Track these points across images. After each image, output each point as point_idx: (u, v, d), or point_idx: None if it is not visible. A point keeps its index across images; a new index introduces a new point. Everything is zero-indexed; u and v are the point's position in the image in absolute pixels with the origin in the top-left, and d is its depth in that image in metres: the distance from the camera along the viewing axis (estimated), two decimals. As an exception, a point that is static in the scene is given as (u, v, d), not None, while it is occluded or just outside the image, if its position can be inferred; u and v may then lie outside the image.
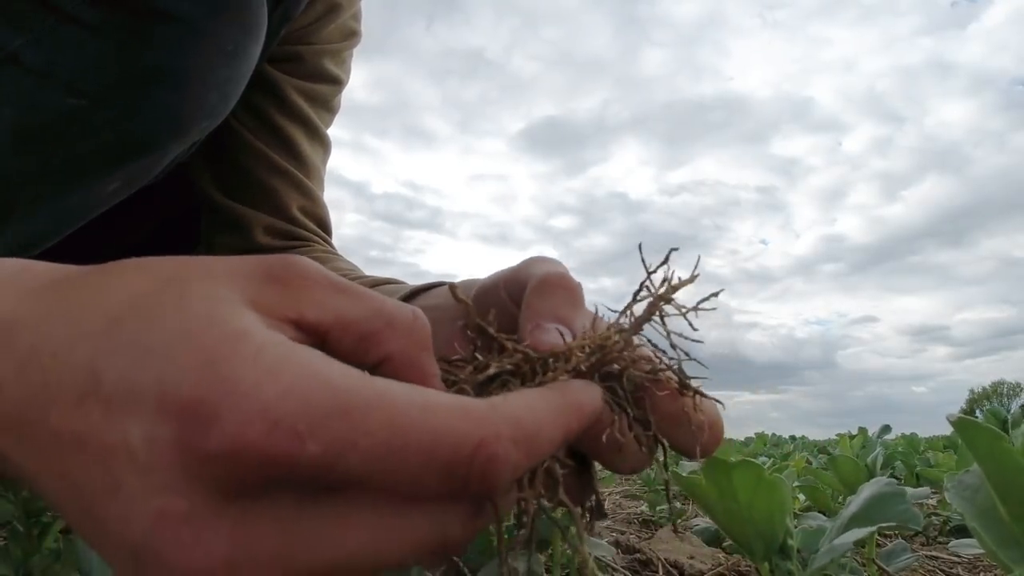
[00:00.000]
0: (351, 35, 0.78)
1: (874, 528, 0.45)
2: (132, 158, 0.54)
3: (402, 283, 0.60)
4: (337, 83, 0.78)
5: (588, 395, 0.25)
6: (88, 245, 0.65)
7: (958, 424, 0.37)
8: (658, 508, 1.66)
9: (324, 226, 0.77)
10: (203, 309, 0.20)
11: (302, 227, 0.73)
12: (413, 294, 0.51)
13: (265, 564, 0.18)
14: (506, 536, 0.25)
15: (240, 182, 0.71)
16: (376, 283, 0.62)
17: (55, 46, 0.47)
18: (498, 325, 0.29)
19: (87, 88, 0.49)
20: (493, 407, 0.20)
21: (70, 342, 0.19)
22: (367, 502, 0.19)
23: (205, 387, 0.17)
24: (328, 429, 0.17)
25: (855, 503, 0.50)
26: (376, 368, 0.23)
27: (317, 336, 0.22)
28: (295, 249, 0.71)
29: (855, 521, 0.48)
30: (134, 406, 0.18)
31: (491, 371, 0.25)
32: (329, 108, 0.78)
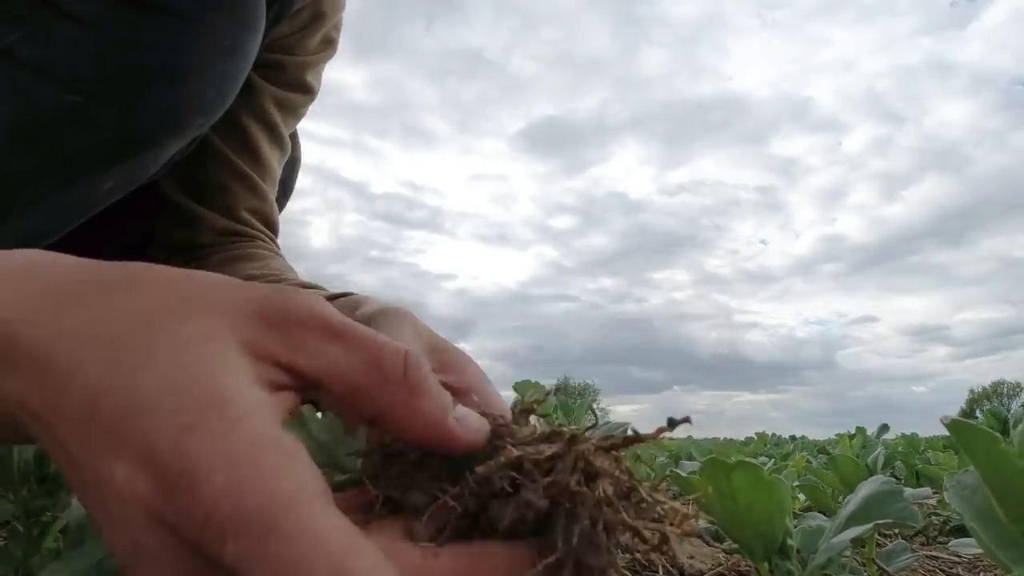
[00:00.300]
0: (329, 45, 0.79)
1: (871, 526, 0.45)
2: (130, 155, 0.54)
3: (353, 294, 0.59)
4: (310, 93, 0.79)
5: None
6: (86, 243, 0.65)
7: (953, 427, 0.37)
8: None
9: (271, 225, 0.78)
10: (195, 358, 0.21)
11: (248, 226, 0.74)
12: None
13: None
14: None
15: (199, 182, 0.72)
16: (333, 297, 0.60)
17: (51, 42, 0.47)
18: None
19: (84, 84, 0.48)
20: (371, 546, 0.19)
21: (79, 367, 0.22)
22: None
23: (177, 456, 0.19)
24: (247, 539, 0.18)
25: (853, 502, 0.50)
26: (372, 424, 0.24)
27: (309, 383, 0.23)
28: (237, 246, 0.72)
29: (853, 520, 0.48)
30: (122, 449, 0.20)
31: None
32: (297, 116, 0.79)
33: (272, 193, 0.78)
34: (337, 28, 0.79)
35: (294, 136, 0.84)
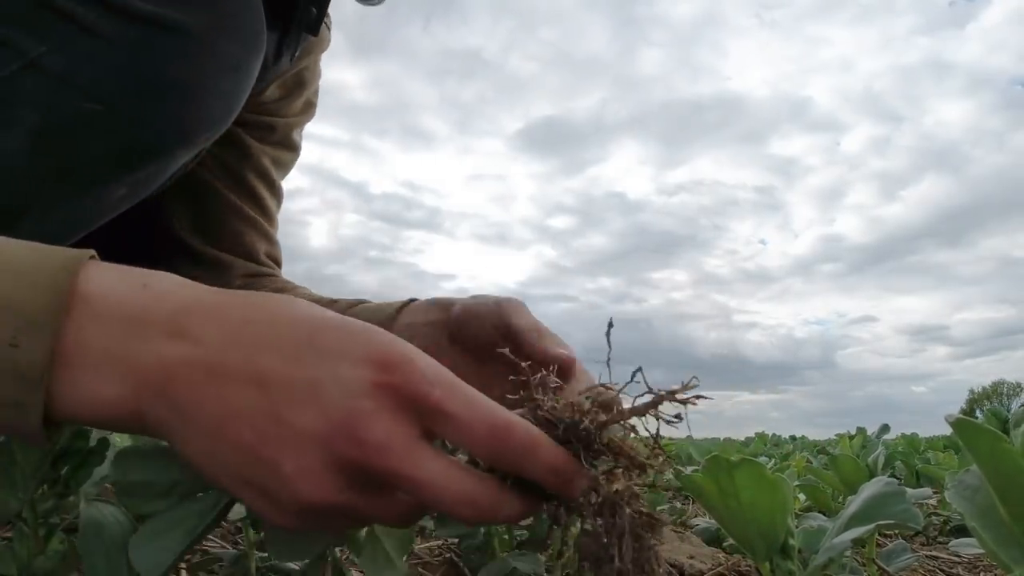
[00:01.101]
0: (310, 107, 0.94)
1: (873, 526, 0.45)
2: (143, 163, 0.58)
3: (368, 301, 0.74)
4: (295, 151, 0.94)
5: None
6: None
7: (957, 425, 0.37)
8: (658, 508, 1.67)
9: (279, 264, 0.94)
10: (360, 322, 0.34)
11: (266, 266, 0.90)
12: (397, 311, 0.66)
13: (399, 447, 0.30)
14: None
15: (217, 231, 0.84)
16: (350, 305, 0.74)
17: (75, 55, 0.51)
18: (479, 343, 0.55)
19: (103, 94, 0.53)
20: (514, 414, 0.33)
21: (284, 321, 0.32)
22: (446, 460, 0.31)
23: (394, 352, 0.31)
24: (442, 388, 0.31)
25: (855, 503, 0.50)
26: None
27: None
28: (264, 284, 0.87)
29: (855, 521, 0.48)
30: (344, 356, 0.31)
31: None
32: (286, 171, 0.94)
33: (276, 236, 0.93)
34: (316, 93, 0.94)
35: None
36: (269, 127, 0.87)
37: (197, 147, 0.62)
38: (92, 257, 0.33)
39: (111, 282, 0.32)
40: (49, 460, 0.42)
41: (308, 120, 0.95)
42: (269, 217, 0.90)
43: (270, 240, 0.91)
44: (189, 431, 0.32)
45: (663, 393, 0.32)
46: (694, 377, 0.32)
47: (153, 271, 0.34)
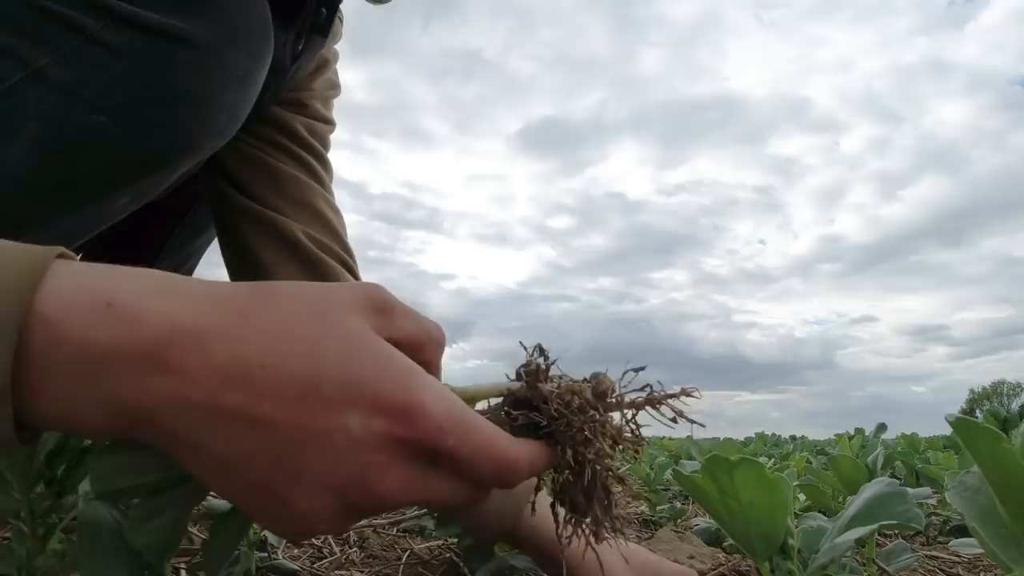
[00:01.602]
0: (334, 87, 0.96)
1: (875, 527, 0.45)
2: (147, 173, 0.58)
3: None
4: (329, 123, 0.94)
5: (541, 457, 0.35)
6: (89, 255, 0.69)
7: (958, 425, 0.37)
8: (658, 508, 1.67)
9: (344, 233, 0.91)
10: (368, 343, 0.32)
11: (331, 230, 0.88)
12: None
13: (413, 492, 0.31)
14: None
15: (275, 196, 0.84)
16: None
17: (80, 65, 0.51)
18: None
19: (109, 106, 0.52)
20: (519, 443, 0.34)
21: (279, 359, 0.30)
22: (449, 478, 0.32)
23: (405, 401, 0.30)
24: (455, 436, 0.31)
25: (856, 503, 0.50)
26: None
27: (394, 345, 0.33)
28: (327, 263, 0.86)
29: (856, 521, 0.48)
30: (352, 406, 0.30)
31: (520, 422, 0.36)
32: (325, 144, 0.93)
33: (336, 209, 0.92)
34: (337, 73, 0.97)
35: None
36: (299, 103, 0.88)
37: (201, 156, 0.62)
38: (60, 255, 0.30)
39: (71, 301, 0.29)
40: (43, 459, 0.42)
41: (334, 96, 0.96)
42: (321, 182, 0.89)
43: (331, 207, 0.89)
44: (188, 460, 0.31)
45: (660, 394, 0.35)
46: (696, 388, 0.36)
47: (122, 274, 0.31)
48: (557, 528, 0.37)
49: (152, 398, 0.29)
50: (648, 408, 0.36)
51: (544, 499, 0.41)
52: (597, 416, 0.35)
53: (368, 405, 0.30)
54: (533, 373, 0.36)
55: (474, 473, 0.32)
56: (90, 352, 0.29)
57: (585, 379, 0.36)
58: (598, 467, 0.35)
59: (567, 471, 0.36)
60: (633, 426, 0.36)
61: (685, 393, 0.35)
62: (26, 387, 0.28)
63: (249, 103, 0.62)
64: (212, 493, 0.38)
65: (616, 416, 0.36)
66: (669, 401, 0.35)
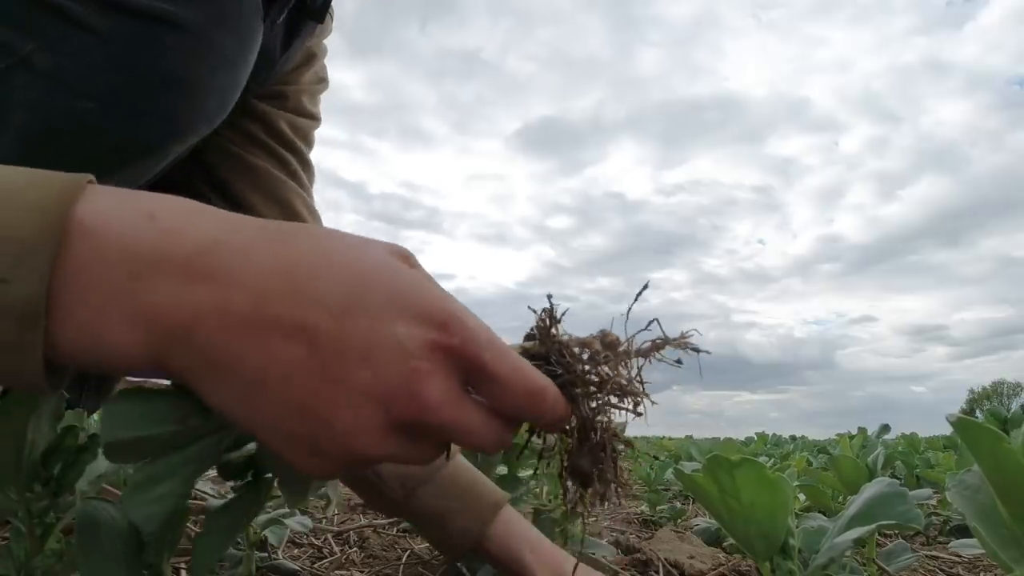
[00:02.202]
0: (321, 81, 0.93)
1: (874, 526, 0.45)
2: (136, 159, 0.57)
3: None
4: (313, 119, 0.92)
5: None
6: None
7: (958, 424, 0.37)
8: (658, 508, 1.66)
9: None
10: (412, 270, 0.33)
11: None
12: None
13: (451, 407, 0.31)
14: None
15: (248, 191, 0.82)
16: None
17: (67, 52, 0.50)
18: None
19: (96, 92, 0.51)
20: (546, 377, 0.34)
21: (324, 272, 0.30)
22: (483, 409, 0.33)
23: (447, 311, 0.31)
24: (492, 353, 0.31)
25: (857, 503, 0.50)
26: None
27: None
28: None
29: (856, 521, 0.48)
30: (397, 316, 0.30)
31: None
32: (307, 141, 0.91)
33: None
34: (324, 68, 0.94)
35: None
36: (282, 95, 0.86)
37: (191, 142, 0.61)
38: (90, 182, 0.30)
39: (112, 211, 0.29)
40: (38, 458, 0.42)
41: (321, 91, 0.94)
42: (299, 181, 0.87)
43: (308, 207, 0.86)
44: (222, 381, 0.30)
45: (662, 340, 0.37)
46: (694, 329, 0.38)
47: (159, 196, 0.31)
48: (564, 497, 0.38)
49: (192, 308, 0.29)
50: (655, 355, 0.37)
51: (509, 517, 0.41)
52: (607, 362, 0.36)
53: (412, 315, 0.30)
54: (544, 328, 0.37)
55: (507, 397, 0.32)
56: (131, 260, 0.28)
57: (592, 335, 0.37)
58: (605, 424, 0.36)
59: (575, 434, 0.37)
60: (639, 380, 0.37)
61: (685, 338, 0.37)
62: (60, 310, 0.28)
63: (239, 87, 0.61)
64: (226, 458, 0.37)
65: (623, 372, 0.37)
66: (672, 347, 0.37)
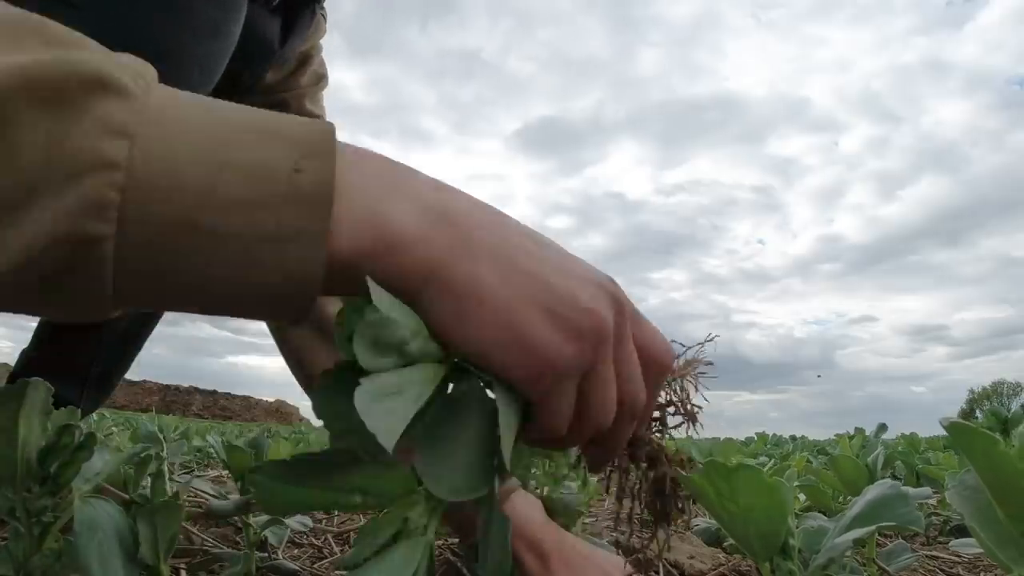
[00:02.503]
0: (320, 79, 0.93)
1: (874, 528, 0.45)
2: None
3: None
4: (317, 119, 0.89)
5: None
6: None
7: (952, 429, 0.37)
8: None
9: None
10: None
11: None
12: None
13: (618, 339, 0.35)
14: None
15: None
16: None
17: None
18: None
19: None
20: None
21: (528, 245, 0.34)
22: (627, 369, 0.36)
23: (610, 278, 0.36)
24: (637, 317, 0.37)
25: (858, 504, 0.50)
26: None
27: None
28: None
29: (858, 522, 0.48)
30: (587, 282, 0.34)
31: None
32: None
33: None
34: (322, 65, 0.94)
35: None
36: (283, 104, 0.87)
37: None
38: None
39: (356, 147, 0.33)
40: (35, 457, 0.42)
41: (321, 90, 0.95)
42: None
43: None
44: (479, 254, 0.32)
45: (694, 360, 0.42)
46: (716, 334, 0.43)
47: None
48: (630, 528, 0.43)
49: (444, 201, 0.32)
50: (690, 374, 0.42)
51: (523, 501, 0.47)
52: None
53: (595, 283, 0.35)
54: None
55: (650, 348, 0.37)
56: (391, 165, 0.33)
57: None
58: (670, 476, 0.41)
59: (642, 480, 0.41)
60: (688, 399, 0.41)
61: (701, 360, 0.42)
62: (342, 197, 0.29)
63: (222, 57, 0.61)
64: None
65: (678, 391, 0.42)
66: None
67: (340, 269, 0.29)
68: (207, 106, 0.29)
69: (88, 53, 0.27)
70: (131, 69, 0.28)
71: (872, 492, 0.51)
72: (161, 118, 0.27)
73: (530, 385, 0.32)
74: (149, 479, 0.73)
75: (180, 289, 0.28)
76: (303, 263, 0.28)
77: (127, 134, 0.26)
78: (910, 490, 0.49)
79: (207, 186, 0.27)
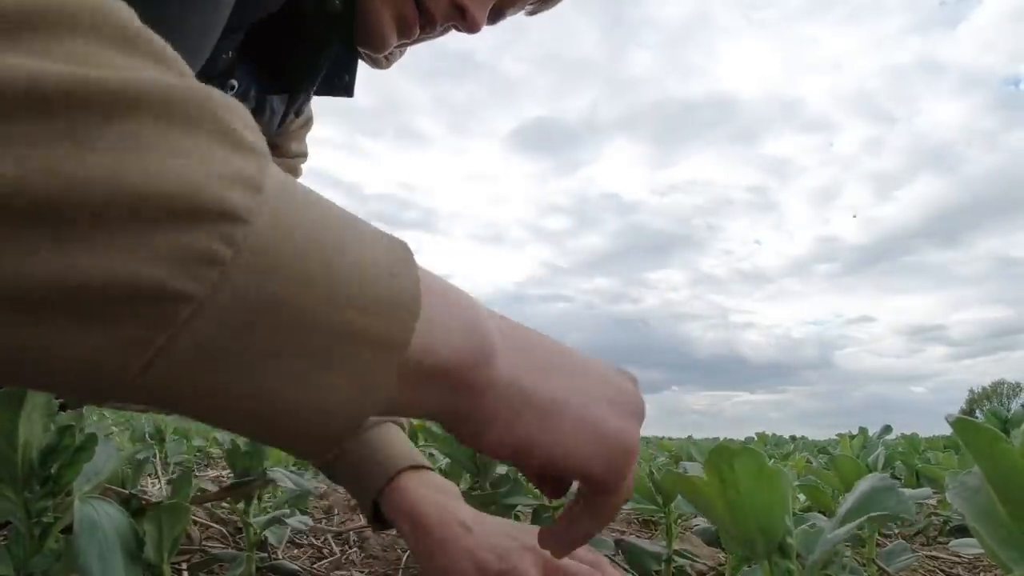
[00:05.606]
0: (308, 122, 0.95)
1: (865, 518, 0.46)
2: None
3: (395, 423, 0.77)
4: (301, 156, 0.96)
5: None
6: None
7: (957, 424, 0.37)
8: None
9: None
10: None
11: None
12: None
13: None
14: None
15: None
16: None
17: None
18: None
19: None
20: None
21: (567, 352, 0.38)
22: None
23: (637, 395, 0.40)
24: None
25: (850, 499, 0.51)
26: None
27: None
28: None
29: (850, 516, 0.48)
30: (618, 372, 0.40)
31: None
32: (295, 174, 0.95)
33: None
34: (309, 108, 0.96)
35: None
36: (272, 145, 0.87)
37: None
38: None
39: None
40: (35, 457, 0.42)
41: (307, 131, 0.97)
42: None
43: None
44: (549, 371, 0.36)
45: None
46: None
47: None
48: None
49: (497, 326, 0.34)
50: None
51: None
52: None
53: (628, 391, 0.39)
54: None
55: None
56: (454, 295, 0.33)
57: None
58: None
59: None
60: None
61: None
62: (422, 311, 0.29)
63: (214, 29, 0.59)
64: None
65: None
66: None
67: (415, 380, 0.30)
68: (309, 188, 0.27)
69: (222, 105, 0.25)
70: (253, 126, 0.26)
71: (863, 486, 0.51)
72: (286, 182, 0.25)
73: (611, 473, 0.37)
74: (163, 481, 0.73)
75: (230, 384, 0.23)
76: (377, 368, 0.27)
77: (257, 188, 0.23)
78: (907, 492, 0.49)
79: (320, 273, 0.24)
